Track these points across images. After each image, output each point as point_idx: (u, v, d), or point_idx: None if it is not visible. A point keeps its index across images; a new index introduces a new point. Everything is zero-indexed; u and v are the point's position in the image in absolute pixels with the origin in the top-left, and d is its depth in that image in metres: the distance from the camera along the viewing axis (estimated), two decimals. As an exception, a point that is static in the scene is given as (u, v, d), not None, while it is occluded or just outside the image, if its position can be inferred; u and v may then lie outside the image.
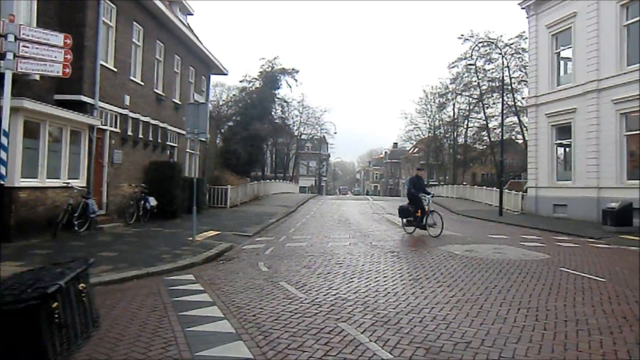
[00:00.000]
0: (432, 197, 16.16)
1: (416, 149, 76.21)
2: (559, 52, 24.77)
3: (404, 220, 16.37)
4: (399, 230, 18.30)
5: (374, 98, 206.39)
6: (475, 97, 50.67)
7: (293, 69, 52.71)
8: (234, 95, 54.65)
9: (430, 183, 66.19)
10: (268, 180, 44.28)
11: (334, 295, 7.75)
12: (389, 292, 7.94)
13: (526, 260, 11.25)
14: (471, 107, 52.59)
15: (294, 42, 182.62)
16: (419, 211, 15.74)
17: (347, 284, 8.60)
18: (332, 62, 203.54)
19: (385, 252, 12.43)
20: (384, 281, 8.81)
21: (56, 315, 2.68)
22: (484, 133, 50.99)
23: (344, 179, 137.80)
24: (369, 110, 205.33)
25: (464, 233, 17.25)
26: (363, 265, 10.50)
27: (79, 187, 14.50)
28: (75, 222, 13.78)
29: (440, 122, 59.25)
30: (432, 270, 9.97)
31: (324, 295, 7.76)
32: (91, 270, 9.46)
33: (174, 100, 22.42)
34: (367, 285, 8.45)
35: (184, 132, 18.94)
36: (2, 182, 8.54)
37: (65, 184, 13.97)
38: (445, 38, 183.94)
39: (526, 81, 35.91)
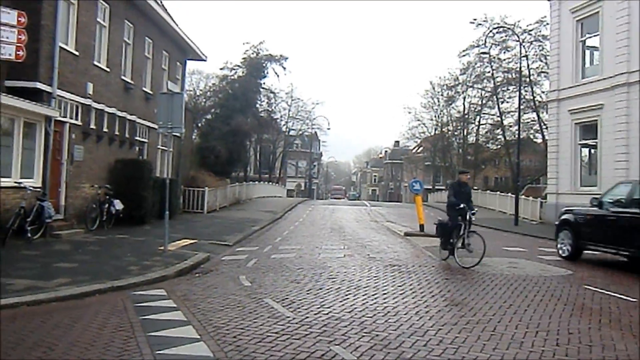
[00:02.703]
0: (474, 212, 13.32)
1: (420, 148, 76.41)
2: (585, 41, 24.94)
3: (441, 240, 13.84)
4: (400, 240, 18.33)
5: (374, 91, 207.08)
6: (489, 90, 50.90)
7: (281, 56, 52.75)
8: (213, 84, 54.64)
9: (436, 187, 66.47)
10: (251, 182, 44.23)
11: (326, 314, 7.74)
12: (389, 311, 7.94)
13: (545, 277, 11.31)
14: (484, 102, 52.80)
15: (282, 26, 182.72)
16: (458, 227, 13.23)
17: (341, 301, 8.59)
18: (326, 49, 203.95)
19: (384, 265, 12.46)
20: (384, 298, 8.82)
21: None
22: (498, 131, 51.21)
23: (337, 182, 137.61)
24: (368, 105, 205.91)
25: (475, 245, 17.27)
26: (359, 280, 10.51)
27: (33, 187, 14.39)
28: (28, 228, 13.66)
29: (449, 118, 59.46)
30: (438, 286, 9.99)
31: (315, 314, 7.74)
32: (46, 284, 9.39)
33: (144, 89, 22.33)
34: (364, 303, 8.45)
35: (155, 126, 18.87)
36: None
37: (16, 184, 13.86)
38: (456, 23, 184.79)
39: (547, 73, 36.16)
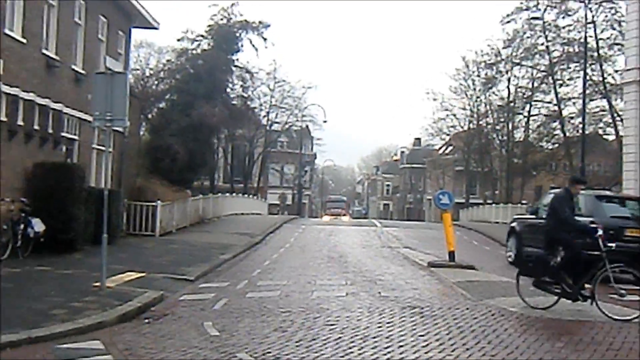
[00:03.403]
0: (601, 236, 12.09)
1: (450, 148, 76.37)
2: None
3: (533, 280, 12.97)
4: (423, 273, 18.33)
5: (385, 73, 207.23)
6: (543, 69, 51.04)
7: (260, 23, 52.61)
8: (168, 61, 54.48)
9: (471, 200, 66.41)
10: (220, 194, 44.11)
11: (323, 374, 7.74)
12: (408, 371, 7.94)
13: (620, 326, 11.26)
14: (535, 85, 52.91)
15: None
16: (574, 261, 12.27)
17: (342, 356, 8.60)
18: (320, 15, 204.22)
19: (402, 307, 12.44)
20: (401, 353, 8.81)
21: None
22: (554, 125, 51.35)
23: (338, 193, 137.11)
24: (377, 92, 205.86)
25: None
26: (367, 327, 10.51)
27: None
28: None
29: (488, 106, 59.48)
30: (474, 336, 9.98)
31: (307, 374, 7.75)
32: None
33: (74, 67, 22.31)
34: (374, 360, 8.46)
35: (89, 117, 18.81)
36: None
37: None
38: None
39: (622, 45, 36.28)
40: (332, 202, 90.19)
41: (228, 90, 53.16)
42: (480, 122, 60.44)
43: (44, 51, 20.27)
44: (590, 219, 15.16)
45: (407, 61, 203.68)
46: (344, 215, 77.43)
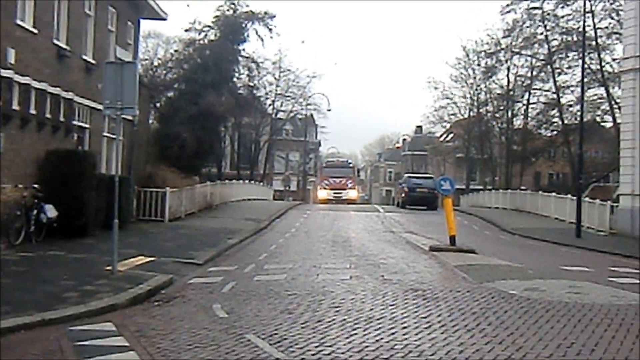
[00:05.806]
0: None
1: (450, 135, 76.32)
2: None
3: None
4: (425, 256, 18.36)
5: (388, 62, 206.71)
6: (542, 58, 50.86)
7: (266, 13, 52.76)
8: (176, 51, 54.44)
9: (472, 186, 66.49)
10: (227, 181, 44.21)
11: (328, 354, 7.78)
12: (410, 351, 7.96)
13: (618, 305, 11.30)
14: (535, 74, 52.77)
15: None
16: None
17: (347, 337, 8.63)
18: (325, 8, 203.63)
19: (404, 290, 12.50)
20: (403, 334, 8.85)
21: None
22: (553, 112, 51.25)
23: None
24: (380, 80, 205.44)
25: (523, 263, 17.34)
26: (371, 309, 10.56)
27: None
28: None
29: (488, 95, 59.40)
30: (475, 317, 10.01)
31: (313, 354, 7.78)
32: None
33: (84, 57, 22.28)
34: (377, 340, 8.48)
35: (99, 106, 18.80)
36: None
37: None
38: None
39: (620, 34, 36.13)
40: (332, 167, 61.79)
41: (235, 79, 53.33)
42: (481, 110, 60.49)
43: (55, 41, 20.24)
44: (405, 184, 46.63)
45: (409, 51, 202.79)
46: (351, 188, 57.74)
